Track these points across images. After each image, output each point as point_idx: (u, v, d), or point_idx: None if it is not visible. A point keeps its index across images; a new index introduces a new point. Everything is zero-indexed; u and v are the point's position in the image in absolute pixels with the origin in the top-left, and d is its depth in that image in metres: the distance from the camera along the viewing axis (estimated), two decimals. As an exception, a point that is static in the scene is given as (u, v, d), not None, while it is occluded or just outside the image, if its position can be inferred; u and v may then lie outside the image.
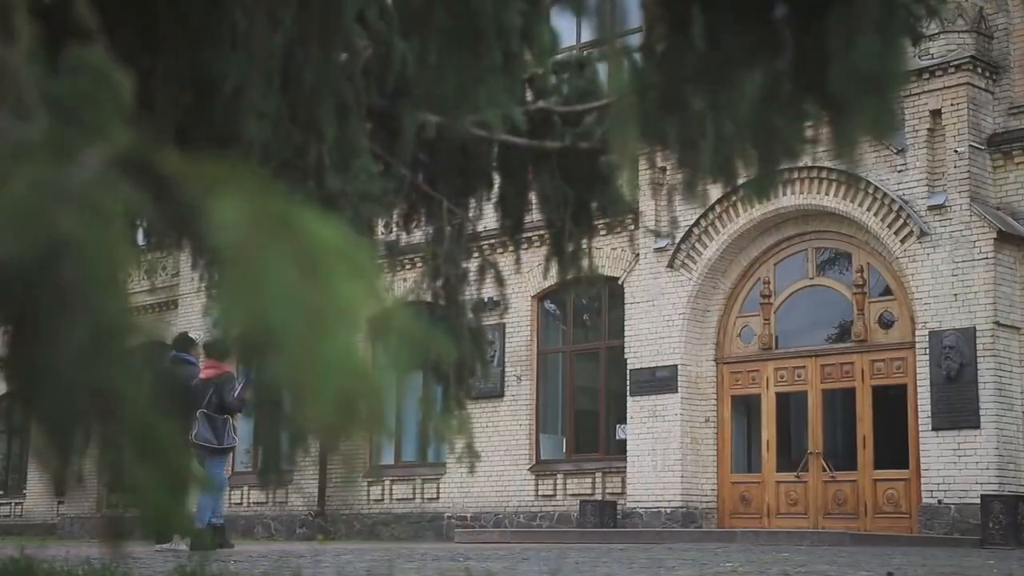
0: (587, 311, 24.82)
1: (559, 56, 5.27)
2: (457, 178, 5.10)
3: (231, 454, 15.06)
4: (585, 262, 5.13)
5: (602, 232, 23.08)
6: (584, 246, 5.12)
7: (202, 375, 14.23)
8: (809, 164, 20.17)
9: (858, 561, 10.95)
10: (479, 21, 2.26)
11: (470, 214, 5.25)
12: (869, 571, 8.99)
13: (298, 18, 2.95)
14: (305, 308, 0.85)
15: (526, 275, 23.93)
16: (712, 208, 21.16)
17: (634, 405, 21.68)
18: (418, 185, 4.90)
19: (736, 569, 8.83)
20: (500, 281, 5.06)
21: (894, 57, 1.96)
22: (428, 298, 4.71)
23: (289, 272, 0.84)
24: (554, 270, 5.12)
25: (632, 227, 22.67)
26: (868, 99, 1.94)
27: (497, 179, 5.43)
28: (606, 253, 23.28)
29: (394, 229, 5.06)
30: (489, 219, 5.58)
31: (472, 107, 2.63)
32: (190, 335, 15.34)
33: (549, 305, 24.71)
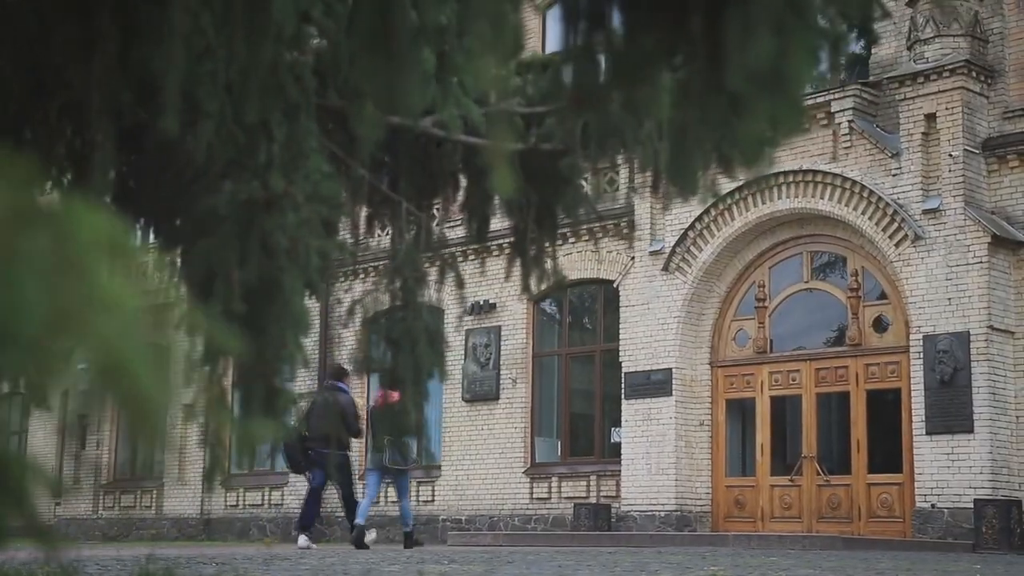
0: (583, 314, 24.79)
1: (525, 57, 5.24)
2: (420, 180, 5.07)
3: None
4: (549, 265, 5.08)
5: (598, 235, 23.13)
6: (548, 249, 5.08)
7: (379, 402, 16.07)
8: (804, 168, 20.17)
9: (843, 566, 10.92)
10: (396, 20, 2.23)
11: (435, 216, 5.22)
12: (849, 575, 8.95)
13: (222, 14, 2.92)
14: (59, 303, 0.82)
15: (522, 278, 23.89)
16: (707, 211, 21.13)
17: (629, 408, 21.65)
18: (378, 187, 4.87)
19: (716, 573, 8.80)
20: (460, 284, 5.02)
21: (796, 56, 1.92)
22: (386, 299, 4.68)
23: (44, 267, 0.82)
24: (517, 273, 5.06)
25: (627, 231, 22.64)
26: (767, 98, 1.91)
27: (464, 181, 5.40)
28: (601, 256, 23.28)
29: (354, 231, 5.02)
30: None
31: (394, 106, 2.60)
32: (343, 366, 17.50)
33: (551, 307, 24.67)
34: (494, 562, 10.99)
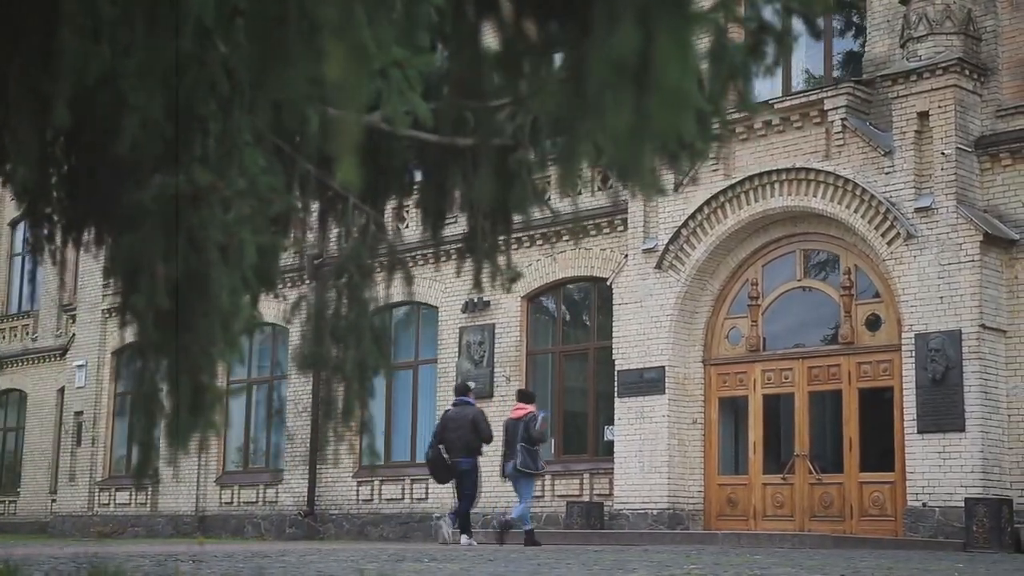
0: (576, 312, 24.77)
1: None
2: (371, 175, 5.03)
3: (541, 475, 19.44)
4: (503, 260, 5.04)
5: (592, 233, 23.13)
6: (501, 244, 5.04)
7: (512, 415, 18.65)
8: (797, 166, 20.12)
9: (825, 564, 10.88)
10: (280, 9, 2.20)
11: (387, 213, 5.18)
12: (825, 574, 8.91)
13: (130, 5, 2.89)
14: None
15: (516, 275, 23.87)
16: (700, 209, 21.11)
17: (622, 406, 21.61)
18: (326, 183, 4.83)
19: (690, 572, 8.76)
20: (409, 281, 4.98)
21: (665, 48, 1.87)
22: (332, 296, 4.65)
23: None
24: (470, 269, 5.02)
25: (621, 229, 22.63)
26: (632, 90, 1.86)
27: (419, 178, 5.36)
28: (595, 254, 23.26)
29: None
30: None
31: (282, 94, 2.57)
32: (469, 383, 20.07)
33: (550, 304, 24.64)
34: (475, 560, 10.96)
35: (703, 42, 4.61)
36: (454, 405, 18.89)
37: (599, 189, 23.34)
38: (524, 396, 19.33)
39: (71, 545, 13.54)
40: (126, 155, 3.65)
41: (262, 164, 3.99)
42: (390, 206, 5.58)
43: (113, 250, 3.83)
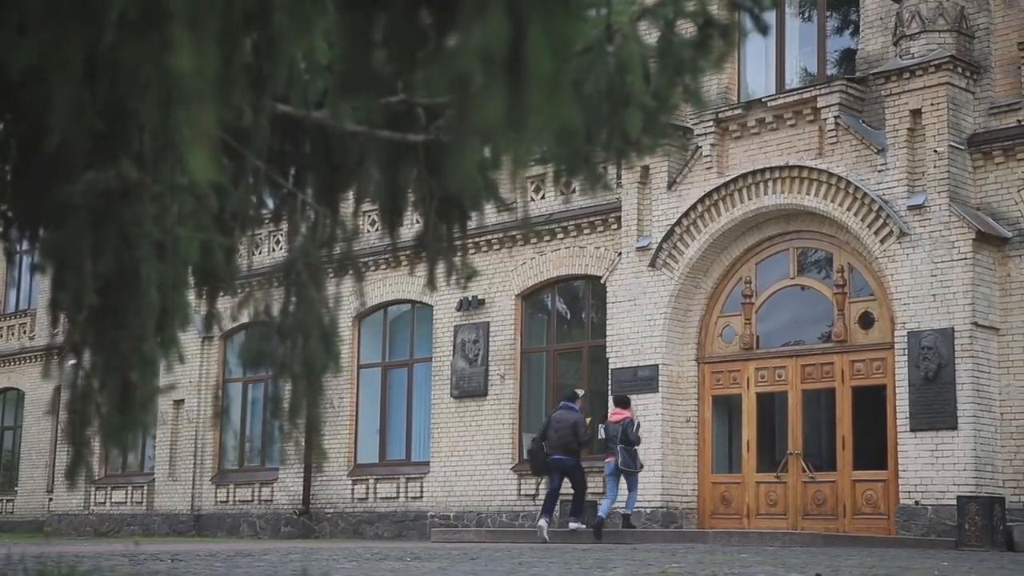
0: (571, 310, 24.73)
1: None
2: (324, 172, 4.99)
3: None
4: (457, 258, 5.00)
5: (586, 231, 23.09)
6: (455, 241, 4.99)
7: (611, 419, 19.87)
8: (790, 163, 20.08)
9: (807, 563, 10.84)
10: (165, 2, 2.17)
11: (340, 210, 5.14)
12: (803, 572, 8.87)
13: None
14: None
15: (511, 274, 23.87)
16: (694, 207, 21.06)
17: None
18: (275, 179, 4.79)
19: (667, 571, 8.72)
20: (359, 277, 4.94)
21: (537, 40, 1.83)
22: (280, 293, 4.61)
23: None
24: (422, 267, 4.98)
25: (615, 227, 22.58)
26: (502, 82, 1.82)
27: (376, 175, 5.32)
28: (589, 252, 23.22)
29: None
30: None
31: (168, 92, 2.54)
32: (576, 390, 20.87)
33: (545, 302, 24.61)
34: (456, 559, 10.93)
35: (651, 37, 4.58)
36: (560, 408, 20.23)
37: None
38: (621, 401, 20.19)
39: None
40: (57, 151, 3.62)
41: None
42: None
43: (42, 246, 3.80)
